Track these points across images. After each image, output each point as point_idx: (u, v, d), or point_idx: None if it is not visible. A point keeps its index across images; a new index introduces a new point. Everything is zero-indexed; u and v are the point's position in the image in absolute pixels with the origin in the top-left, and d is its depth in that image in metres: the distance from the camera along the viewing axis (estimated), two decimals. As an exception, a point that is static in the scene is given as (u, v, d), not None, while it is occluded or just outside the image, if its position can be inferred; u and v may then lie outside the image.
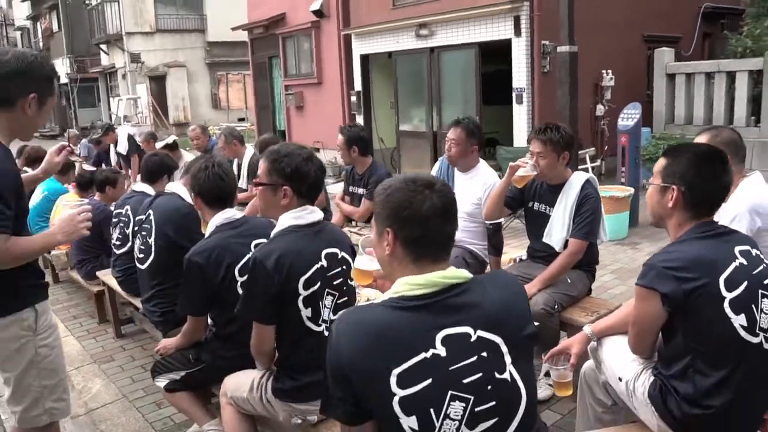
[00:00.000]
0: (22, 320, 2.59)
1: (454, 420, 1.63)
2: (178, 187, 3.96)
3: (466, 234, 4.45)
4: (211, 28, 28.00)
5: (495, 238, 4.45)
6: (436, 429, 1.62)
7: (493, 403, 1.66)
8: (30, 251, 2.54)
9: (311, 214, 2.65)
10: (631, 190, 7.81)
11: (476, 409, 1.64)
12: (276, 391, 2.72)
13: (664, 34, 12.00)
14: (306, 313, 2.58)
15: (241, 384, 2.91)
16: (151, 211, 3.86)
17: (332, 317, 2.63)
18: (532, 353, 1.82)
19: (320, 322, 2.63)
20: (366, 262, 2.68)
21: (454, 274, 1.73)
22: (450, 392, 1.63)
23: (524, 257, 4.25)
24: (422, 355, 1.63)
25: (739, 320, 2.14)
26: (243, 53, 27.17)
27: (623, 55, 11.17)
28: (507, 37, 10.03)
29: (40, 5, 36.47)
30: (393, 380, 1.62)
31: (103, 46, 29.41)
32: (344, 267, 2.70)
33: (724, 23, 13.67)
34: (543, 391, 3.76)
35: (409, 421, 1.62)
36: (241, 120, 24.85)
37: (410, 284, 1.70)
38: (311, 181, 2.65)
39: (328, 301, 2.64)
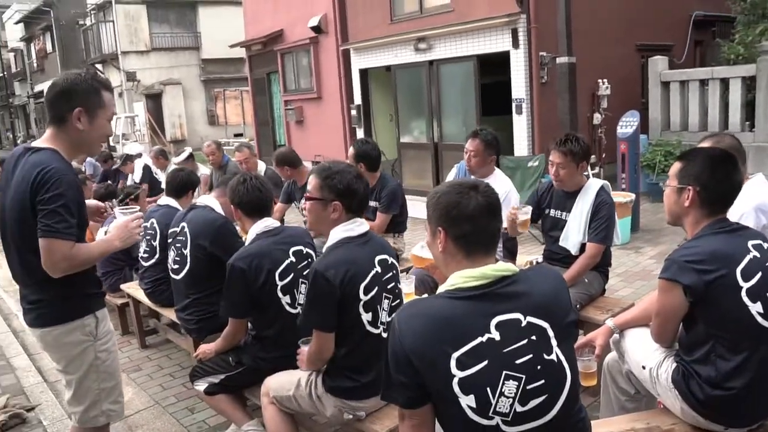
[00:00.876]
0: (84, 326, 2.78)
1: (508, 397, 1.81)
2: (210, 200, 4.14)
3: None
4: (205, 46, 28.27)
5: (510, 243, 4.64)
6: (492, 406, 1.81)
7: (542, 381, 1.84)
8: (91, 257, 2.73)
9: (360, 226, 2.88)
10: (633, 196, 8.01)
11: (527, 387, 1.83)
12: (331, 389, 2.89)
13: (656, 43, 12.24)
14: (366, 317, 2.77)
15: (284, 383, 3.08)
16: (185, 224, 4.03)
17: (388, 319, 2.82)
18: (575, 338, 2.00)
19: (378, 324, 2.82)
20: (423, 251, 3.04)
21: (503, 267, 1.93)
22: (504, 372, 1.82)
23: (540, 260, 4.43)
24: (479, 339, 1.82)
25: (756, 307, 2.33)
26: (237, 69, 27.49)
27: (618, 64, 11.37)
28: (505, 49, 10.22)
29: (34, 27, 36.69)
30: (453, 363, 1.80)
31: (99, 66, 29.56)
32: (394, 271, 2.92)
33: (714, 31, 13.96)
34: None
35: (467, 400, 1.80)
36: (238, 135, 25.03)
37: (465, 277, 1.90)
38: (360, 197, 2.87)
39: (385, 304, 2.84)
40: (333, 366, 2.91)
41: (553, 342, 1.89)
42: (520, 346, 1.84)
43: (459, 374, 1.81)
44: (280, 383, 3.11)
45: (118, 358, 3.02)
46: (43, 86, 36.95)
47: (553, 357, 1.88)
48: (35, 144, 2.75)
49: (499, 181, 4.67)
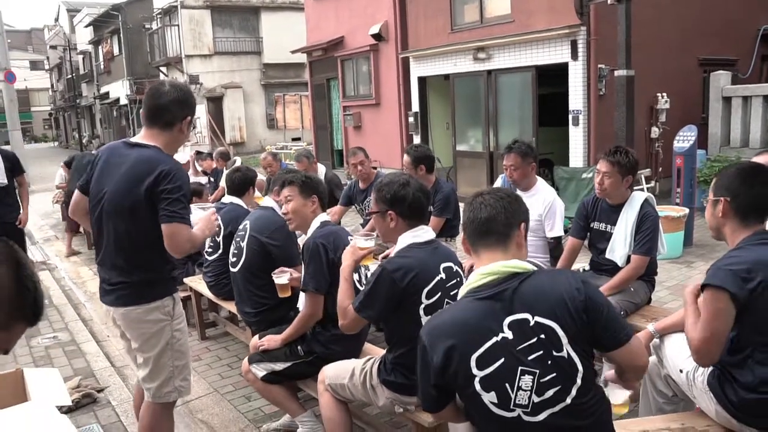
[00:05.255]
0: (163, 306, 3.06)
1: (525, 390, 1.99)
2: (271, 202, 4.37)
3: (529, 248, 4.75)
4: (266, 51, 28.77)
5: (556, 251, 4.75)
6: (512, 400, 1.99)
7: (554, 374, 2.01)
8: (197, 242, 3.08)
9: (426, 233, 3.06)
10: (686, 211, 7.96)
11: (542, 380, 2.00)
12: (386, 382, 3.07)
13: (720, 57, 12.05)
14: (425, 320, 2.88)
15: (340, 372, 3.27)
16: (247, 221, 4.29)
17: None
18: (593, 333, 2.09)
19: None
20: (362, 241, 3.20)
21: (515, 264, 2.10)
22: (520, 368, 1.99)
23: (587, 268, 4.54)
24: (494, 339, 2.01)
25: None
26: (297, 74, 27.97)
27: (679, 78, 11.27)
28: (564, 61, 10.30)
29: (102, 30, 37.85)
30: (473, 363, 2.00)
31: (163, 69, 30.36)
32: (458, 279, 3.06)
33: (783, 45, 13.66)
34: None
35: (489, 397, 2.00)
36: (296, 140, 25.40)
37: (480, 274, 2.11)
38: (410, 202, 3.03)
39: None
40: (389, 361, 3.08)
41: (564, 340, 2.02)
42: (531, 343, 2.01)
43: (479, 373, 2.00)
44: (337, 372, 3.31)
45: (188, 339, 3.30)
46: (109, 87, 38.23)
47: (563, 353, 2.02)
48: (135, 140, 3.06)
49: (542, 192, 4.79)
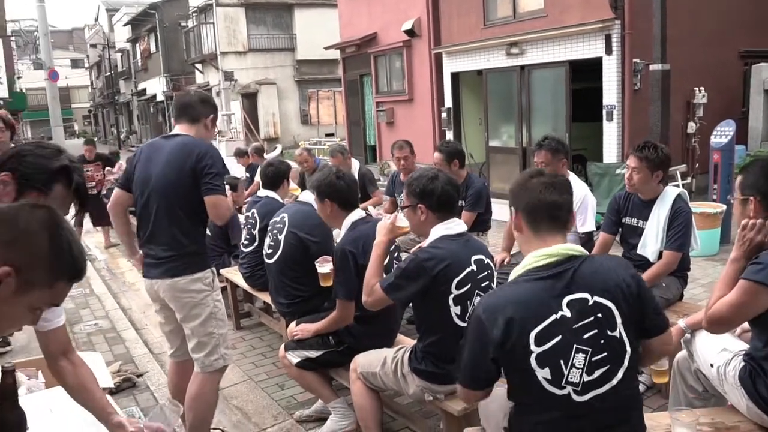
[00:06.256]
0: (204, 277, 3.39)
1: (578, 368, 2.04)
2: (310, 196, 4.44)
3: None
4: (300, 47, 28.93)
5: (587, 246, 4.76)
6: (565, 377, 2.04)
7: (606, 354, 2.07)
8: (232, 211, 3.54)
9: (458, 225, 3.14)
10: (723, 207, 7.85)
11: (593, 359, 2.05)
12: (416, 370, 3.13)
13: (762, 49, 11.72)
14: (455, 310, 2.99)
15: (372, 360, 3.35)
16: (285, 214, 4.36)
17: None
18: (642, 319, 2.18)
19: (466, 318, 3.02)
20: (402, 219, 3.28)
21: (572, 247, 2.17)
22: (575, 345, 2.04)
23: (619, 261, 4.53)
24: (553, 317, 2.05)
25: None
26: (330, 71, 28.08)
27: (718, 72, 11.04)
28: (598, 55, 10.22)
29: (140, 28, 38.46)
30: (532, 340, 2.03)
31: (198, 66, 30.75)
32: (489, 271, 3.13)
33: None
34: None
35: (543, 373, 2.04)
36: (329, 135, 25.56)
37: (537, 256, 2.14)
38: (438, 195, 3.09)
39: (476, 301, 3.04)
40: (420, 350, 3.14)
41: (618, 320, 2.10)
42: (588, 322, 2.07)
43: (537, 350, 2.04)
44: (369, 360, 3.38)
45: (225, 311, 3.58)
46: (146, 84, 38.83)
47: (616, 333, 2.09)
48: (170, 134, 3.50)
49: (574, 187, 4.74)
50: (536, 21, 11.13)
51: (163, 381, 4.74)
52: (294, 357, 3.82)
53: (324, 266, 3.91)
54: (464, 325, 3.01)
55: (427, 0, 13.88)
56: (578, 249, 2.17)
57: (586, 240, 4.77)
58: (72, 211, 2.29)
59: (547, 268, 2.11)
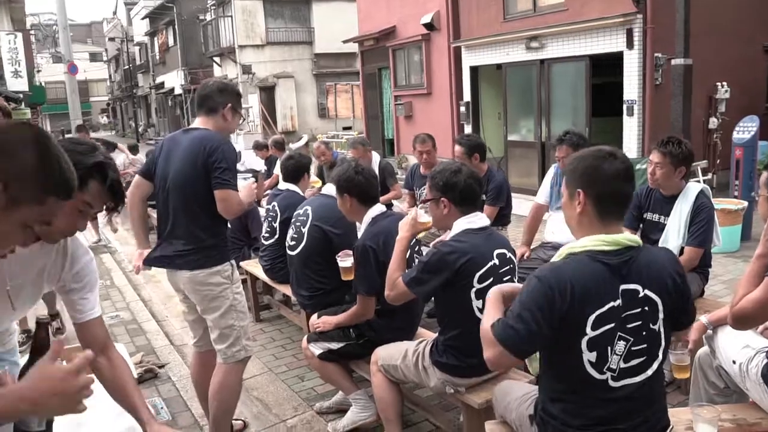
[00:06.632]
0: (223, 270, 3.40)
1: (618, 355, 2.09)
2: (333, 190, 4.45)
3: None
4: (318, 41, 28.97)
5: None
6: (607, 363, 2.08)
7: (644, 345, 2.12)
8: (244, 207, 3.43)
9: (481, 219, 3.14)
10: (744, 204, 7.77)
11: (632, 348, 2.09)
12: (438, 363, 3.15)
13: (787, 44, 11.58)
14: (477, 303, 2.99)
15: (393, 353, 3.36)
16: (308, 206, 4.38)
17: None
18: (678, 315, 2.22)
19: None
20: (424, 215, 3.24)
21: (632, 237, 2.16)
22: (619, 333, 2.07)
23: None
24: (611, 304, 2.07)
25: None
26: (348, 64, 28.09)
27: (741, 66, 10.94)
28: (619, 50, 10.16)
29: (158, 22, 38.59)
30: (589, 323, 2.05)
31: (216, 59, 30.83)
32: (511, 266, 3.14)
33: None
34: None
35: (589, 356, 2.08)
36: (347, 128, 25.59)
37: (600, 240, 2.12)
38: (461, 188, 3.10)
39: None
40: (441, 343, 3.15)
41: (661, 315, 2.14)
42: (634, 313, 2.10)
43: (590, 333, 2.06)
44: (389, 353, 3.40)
45: (246, 303, 3.60)
46: (164, 78, 38.98)
47: (656, 327, 2.14)
48: (189, 127, 3.49)
49: None
50: (557, 15, 11.08)
51: (184, 372, 4.79)
52: (316, 348, 3.85)
53: (345, 260, 3.92)
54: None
55: (447, -7, 13.85)
56: (636, 239, 2.17)
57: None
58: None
59: (608, 254, 2.10)
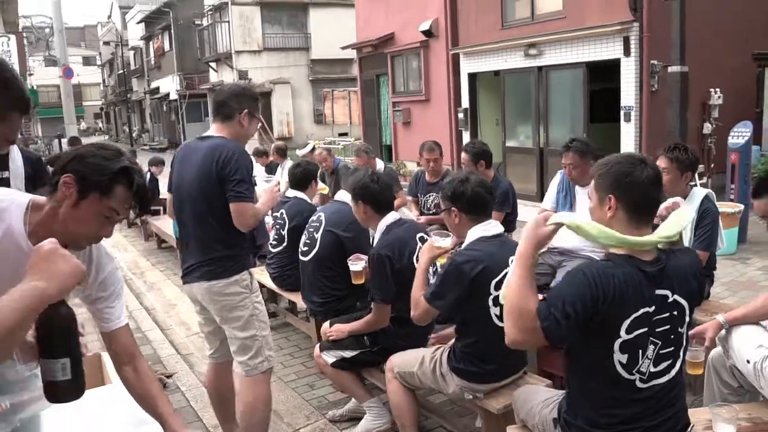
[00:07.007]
0: (242, 280, 3.33)
1: (649, 359, 2.18)
2: (347, 195, 4.51)
3: (588, 243, 4.82)
4: (314, 47, 29.03)
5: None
6: (637, 366, 2.17)
7: (672, 348, 2.22)
8: (260, 216, 3.37)
9: (495, 227, 3.21)
10: (741, 207, 7.91)
11: (660, 352, 2.19)
12: (456, 370, 3.21)
13: (775, 52, 11.78)
14: (495, 311, 3.06)
15: (409, 360, 3.42)
16: (322, 213, 4.45)
17: None
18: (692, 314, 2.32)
19: None
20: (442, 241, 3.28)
21: (658, 239, 2.23)
22: (651, 338, 2.16)
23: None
24: (645, 309, 2.15)
25: None
26: (344, 70, 28.16)
27: (732, 74, 11.09)
28: (616, 57, 10.27)
29: (153, 26, 38.53)
30: (625, 325, 2.14)
31: (213, 64, 30.84)
32: None
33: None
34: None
35: (620, 357, 2.16)
36: (343, 135, 25.64)
37: (635, 243, 2.18)
38: (469, 197, 3.17)
39: None
40: (459, 350, 3.21)
41: (686, 318, 2.25)
42: (664, 317, 2.19)
43: (624, 336, 2.14)
44: (405, 360, 3.45)
45: (266, 312, 3.54)
46: (159, 83, 38.94)
47: (682, 330, 2.25)
48: (206, 134, 3.41)
49: None
50: (555, 22, 11.19)
51: (193, 382, 4.83)
52: (329, 357, 3.89)
53: (356, 264, 3.95)
54: (503, 325, 3.06)
55: (445, 1, 13.95)
56: (666, 243, 2.26)
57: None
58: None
59: (646, 263, 2.18)
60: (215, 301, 3.32)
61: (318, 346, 4.03)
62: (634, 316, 2.13)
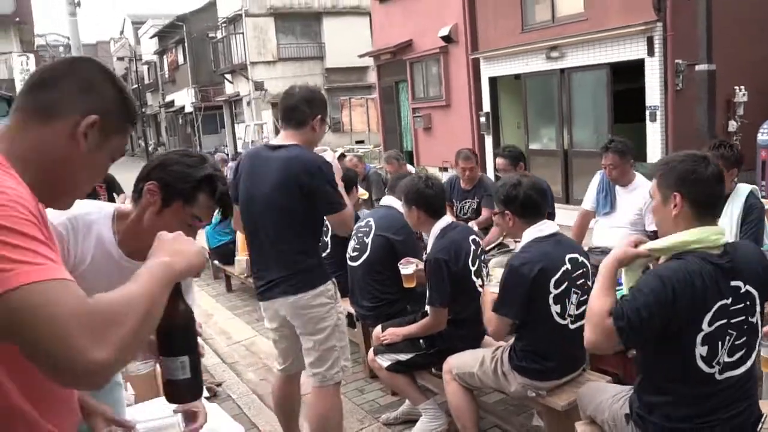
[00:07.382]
0: (327, 290, 3.27)
1: (725, 350, 2.21)
2: (392, 201, 4.57)
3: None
4: (329, 55, 29.17)
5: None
6: (717, 358, 2.21)
7: (745, 338, 2.25)
8: (353, 216, 3.40)
9: (549, 227, 3.27)
10: (772, 204, 7.90)
11: (735, 342, 2.23)
12: (518, 368, 3.25)
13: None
14: (555, 309, 3.12)
15: (468, 361, 3.47)
16: (371, 218, 4.51)
17: (576, 312, 3.14)
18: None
19: (566, 316, 3.16)
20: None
21: (722, 231, 2.30)
22: (728, 330, 2.20)
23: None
24: (723, 301, 2.20)
25: None
26: (360, 78, 28.27)
27: (757, 71, 11.00)
28: (639, 57, 10.26)
29: (167, 40, 38.85)
30: (707, 318, 2.18)
31: (228, 76, 31.03)
32: (584, 269, 3.25)
33: None
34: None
35: (701, 350, 2.20)
36: (360, 142, 25.70)
37: (703, 234, 2.24)
38: (521, 200, 3.24)
39: (574, 298, 3.18)
40: (519, 348, 3.26)
41: (758, 308, 2.28)
42: (739, 308, 2.23)
43: (706, 329, 2.19)
44: (464, 361, 3.50)
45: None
46: (174, 96, 39.24)
47: (754, 320, 2.28)
48: (276, 143, 3.32)
49: (642, 186, 4.87)
50: (576, 24, 11.19)
51: (243, 390, 4.90)
52: (384, 360, 3.94)
53: (407, 267, 4.01)
54: (564, 322, 3.14)
55: (464, 6, 13.98)
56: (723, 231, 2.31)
57: (655, 239, 4.84)
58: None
59: (716, 257, 2.23)
60: (301, 315, 3.24)
61: (372, 350, 4.08)
62: (714, 309, 2.18)
